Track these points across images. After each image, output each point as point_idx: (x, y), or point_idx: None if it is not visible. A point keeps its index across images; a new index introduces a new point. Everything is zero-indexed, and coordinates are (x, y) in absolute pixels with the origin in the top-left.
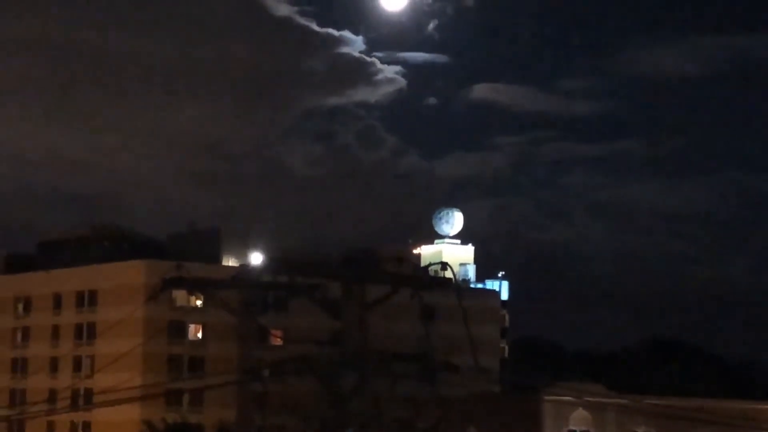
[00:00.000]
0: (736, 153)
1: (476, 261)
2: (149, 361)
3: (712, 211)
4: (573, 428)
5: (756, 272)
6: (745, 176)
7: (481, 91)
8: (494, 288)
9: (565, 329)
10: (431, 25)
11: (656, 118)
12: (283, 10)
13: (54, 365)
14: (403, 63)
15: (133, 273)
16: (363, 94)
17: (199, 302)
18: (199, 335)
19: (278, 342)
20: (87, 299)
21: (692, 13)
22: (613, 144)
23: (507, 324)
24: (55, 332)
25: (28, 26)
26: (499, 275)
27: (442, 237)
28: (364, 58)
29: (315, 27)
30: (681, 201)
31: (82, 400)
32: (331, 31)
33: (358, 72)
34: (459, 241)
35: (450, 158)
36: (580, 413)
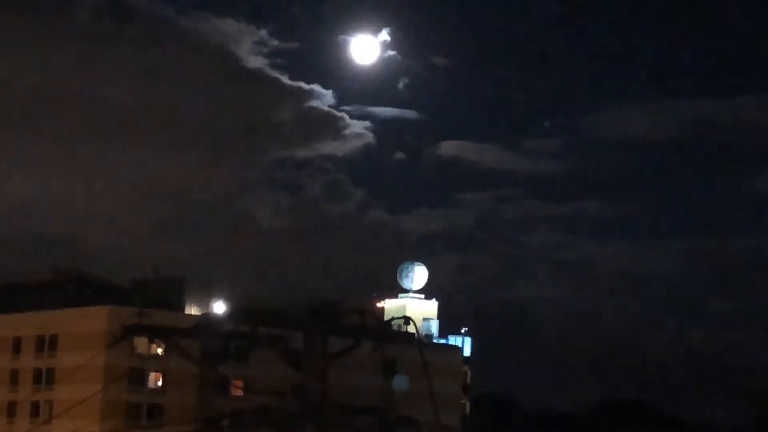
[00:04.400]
0: (699, 218)
1: (440, 316)
2: (108, 408)
3: (674, 274)
4: None
5: (715, 335)
6: (707, 241)
7: (448, 148)
8: (457, 344)
9: (526, 387)
10: (401, 82)
11: (621, 180)
12: (255, 62)
13: (11, 410)
14: (372, 118)
15: (94, 319)
16: (331, 148)
17: (160, 350)
18: (159, 383)
19: (239, 392)
20: (47, 344)
21: (660, 77)
22: (578, 204)
23: (469, 380)
24: (14, 376)
25: None
26: (462, 331)
27: (406, 291)
28: (333, 112)
29: (286, 80)
30: (643, 263)
31: None
32: (301, 84)
33: (327, 125)
34: (423, 296)
35: (416, 213)
36: None
